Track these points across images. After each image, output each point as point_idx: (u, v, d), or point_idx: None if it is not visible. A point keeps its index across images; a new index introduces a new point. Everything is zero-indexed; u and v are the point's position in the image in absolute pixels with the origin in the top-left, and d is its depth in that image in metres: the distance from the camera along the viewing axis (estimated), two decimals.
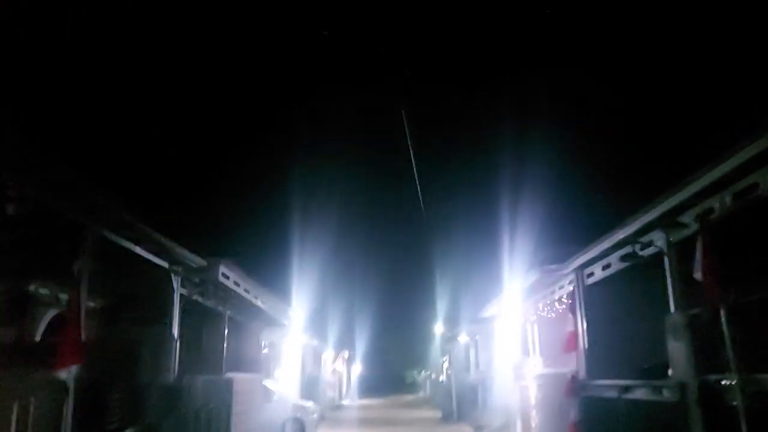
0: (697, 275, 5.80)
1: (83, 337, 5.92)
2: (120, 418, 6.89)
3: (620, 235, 7.55)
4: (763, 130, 4.77)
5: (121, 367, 7.88)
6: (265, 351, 16.92)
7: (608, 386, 8.30)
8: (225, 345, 11.57)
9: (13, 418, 4.93)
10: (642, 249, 7.35)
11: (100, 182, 6.31)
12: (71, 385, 5.59)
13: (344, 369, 40.15)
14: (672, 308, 6.77)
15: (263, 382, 13.83)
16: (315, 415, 17.16)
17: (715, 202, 5.78)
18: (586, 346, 9.44)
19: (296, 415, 15.44)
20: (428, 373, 45.48)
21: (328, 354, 29.92)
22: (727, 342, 5.52)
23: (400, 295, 51.46)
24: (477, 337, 20.66)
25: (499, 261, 13.63)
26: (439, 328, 28.99)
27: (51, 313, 10.04)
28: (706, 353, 6.12)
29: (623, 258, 7.81)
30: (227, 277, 10.32)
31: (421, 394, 50.07)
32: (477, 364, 20.86)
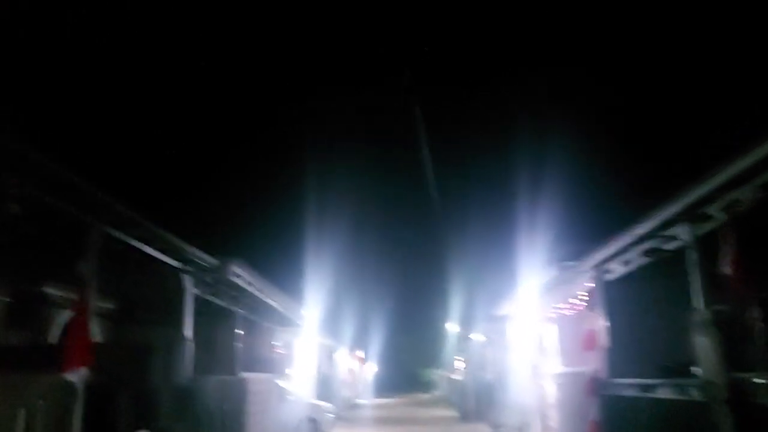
0: (725, 269, 5.57)
1: (92, 338, 5.79)
2: (131, 421, 6.79)
3: (642, 229, 7.31)
4: None
5: (132, 370, 7.80)
6: (279, 351, 16.82)
7: (630, 385, 8.07)
8: (238, 345, 11.47)
9: (20, 423, 4.82)
10: (665, 243, 7.09)
11: (115, 185, 6.25)
12: (80, 388, 5.47)
13: (359, 368, 40.05)
14: (697, 304, 6.51)
15: (277, 382, 13.73)
16: (330, 415, 17.04)
17: (742, 194, 5.54)
18: (606, 344, 9.20)
19: (311, 415, 15.33)
20: (443, 372, 45.27)
21: (343, 353, 29.82)
22: (758, 338, 5.29)
23: (415, 293, 51.21)
24: (493, 335, 20.42)
25: (515, 258, 13.39)
26: (454, 326, 28.77)
27: (67, 316, 9.99)
28: (735, 350, 5.89)
29: (645, 253, 7.55)
30: (240, 277, 10.20)
31: (436, 392, 49.88)
32: (493, 363, 20.63)
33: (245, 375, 11.04)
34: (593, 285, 9.63)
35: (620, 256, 8.61)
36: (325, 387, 21.32)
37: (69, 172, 5.37)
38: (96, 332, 10.57)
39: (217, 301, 10.86)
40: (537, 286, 12.22)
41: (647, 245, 7.50)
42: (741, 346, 6.10)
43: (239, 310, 11.73)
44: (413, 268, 52.10)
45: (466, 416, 22.32)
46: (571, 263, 10.08)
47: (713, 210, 6.05)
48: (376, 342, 47.06)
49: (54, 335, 9.82)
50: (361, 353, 39.50)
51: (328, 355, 25.51)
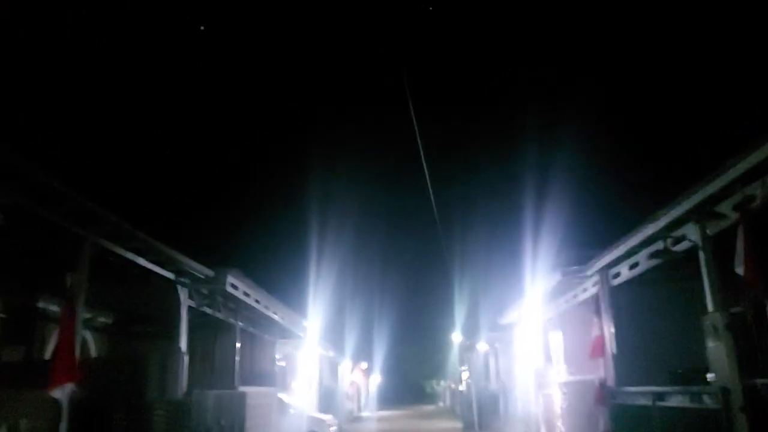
0: (739, 270, 5.32)
1: (78, 354, 5.54)
2: None
3: (649, 230, 7.07)
4: None
5: (126, 384, 7.56)
6: (280, 363, 16.54)
7: (641, 393, 7.80)
8: (237, 358, 11.20)
9: None
10: (674, 245, 6.82)
11: (110, 196, 6.07)
12: (64, 405, 5.22)
13: (362, 380, 39.64)
14: (709, 307, 6.24)
15: (278, 396, 13.45)
16: (333, 428, 16.72)
17: (756, 189, 5.29)
18: (614, 350, 8.93)
19: (313, 428, 15.05)
20: (447, 382, 44.86)
21: (346, 365, 29.48)
22: None
23: (418, 303, 50.92)
24: (497, 345, 20.15)
25: (518, 266, 13.18)
26: (457, 336, 28.45)
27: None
28: (751, 355, 5.63)
29: (653, 255, 7.28)
30: (236, 288, 9.96)
31: (440, 404, 49.39)
32: (497, 373, 20.34)
33: (244, 388, 10.78)
34: (600, 290, 9.38)
35: (627, 259, 8.36)
36: (327, 399, 21.01)
37: (60, 182, 5.16)
38: (89, 346, 10.36)
39: (215, 312, 10.62)
40: (542, 292, 11.96)
41: (655, 247, 7.24)
42: (757, 351, 5.85)
43: (238, 323, 11.47)
44: (417, 278, 51.94)
45: (470, 427, 21.99)
46: (576, 268, 9.83)
47: (725, 208, 5.80)
48: (380, 353, 46.64)
49: (50, 351, 9.59)
50: (364, 365, 39.09)
51: (331, 367, 25.20)
